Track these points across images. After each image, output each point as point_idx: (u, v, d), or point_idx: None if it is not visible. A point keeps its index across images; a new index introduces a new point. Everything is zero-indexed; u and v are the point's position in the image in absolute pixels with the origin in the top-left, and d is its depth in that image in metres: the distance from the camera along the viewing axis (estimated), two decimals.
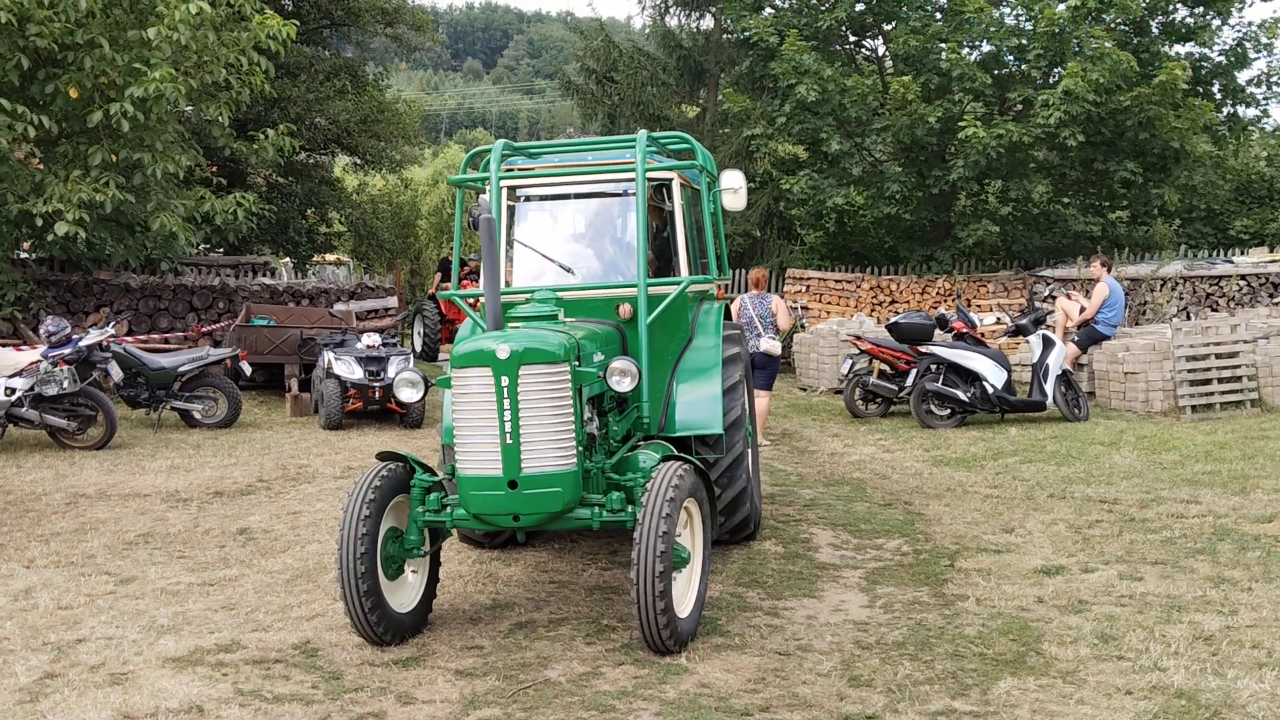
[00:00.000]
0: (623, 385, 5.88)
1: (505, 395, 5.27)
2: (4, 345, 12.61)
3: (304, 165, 23.45)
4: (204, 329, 16.36)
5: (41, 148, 13.63)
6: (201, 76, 13.91)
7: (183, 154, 14.38)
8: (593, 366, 5.87)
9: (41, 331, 12.19)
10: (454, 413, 5.48)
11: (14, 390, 11.22)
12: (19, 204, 13.16)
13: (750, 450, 7.77)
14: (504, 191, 7.21)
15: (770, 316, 11.87)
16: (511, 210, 7.47)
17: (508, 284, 7.18)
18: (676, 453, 6.01)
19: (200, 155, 15.45)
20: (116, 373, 12.50)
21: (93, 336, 12.21)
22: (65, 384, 11.30)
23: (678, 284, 6.93)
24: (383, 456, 5.80)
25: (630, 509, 5.55)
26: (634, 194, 7.00)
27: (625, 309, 6.95)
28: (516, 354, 5.28)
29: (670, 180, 7.32)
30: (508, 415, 5.28)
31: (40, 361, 11.43)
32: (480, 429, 5.35)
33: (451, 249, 28.82)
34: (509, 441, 5.29)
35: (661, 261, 7.74)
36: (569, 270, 7.17)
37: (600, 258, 7.45)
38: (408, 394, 6.10)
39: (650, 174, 7.07)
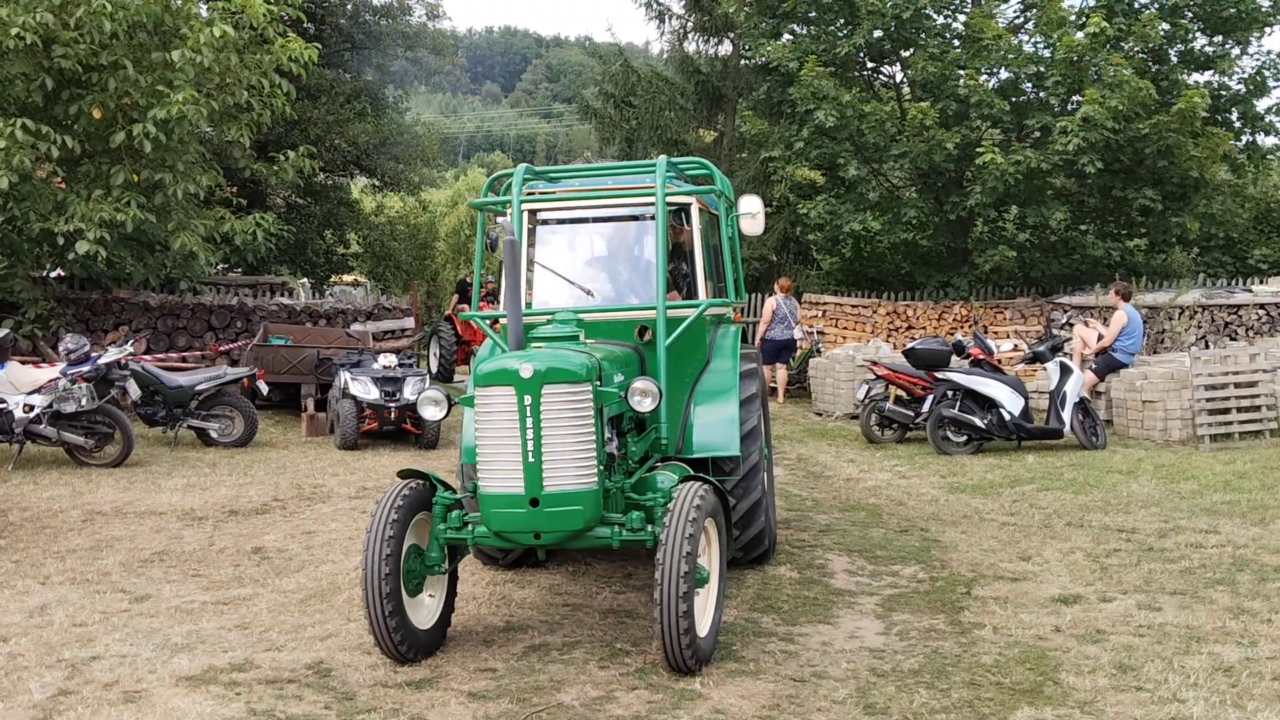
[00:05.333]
0: (644, 405, 5.91)
1: (528, 414, 5.33)
2: (23, 362, 12.68)
3: (323, 187, 23.63)
4: (222, 348, 16.42)
5: (64, 167, 13.76)
6: (223, 98, 14.05)
7: (203, 175, 14.51)
8: (613, 387, 5.89)
9: (60, 349, 12.26)
10: (476, 431, 5.51)
11: (32, 407, 11.27)
12: (41, 223, 13.28)
13: (766, 468, 7.80)
14: (524, 215, 7.24)
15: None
16: (532, 233, 7.49)
17: (528, 305, 7.22)
18: (695, 473, 6.00)
19: (220, 176, 15.57)
20: (134, 391, 12.55)
21: (111, 355, 12.26)
22: (83, 402, 11.35)
23: (696, 307, 6.97)
24: (404, 474, 5.82)
25: (650, 528, 5.58)
26: (653, 218, 7.06)
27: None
28: (540, 373, 5.34)
29: (689, 205, 7.36)
30: (530, 434, 5.34)
31: (59, 379, 11.48)
32: (502, 447, 5.40)
33: (470, 270, 28.92)
34: (531, 460, 5.34)
35: (679, 285, 7.76)
36: (588, 293, 7.24)
37: (619, 281, 7.51)
38: (431, 412, 6.14)
39: (669, 199, 7.12)
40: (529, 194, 7.34)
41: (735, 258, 8.31)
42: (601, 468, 5.55)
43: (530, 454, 5.33)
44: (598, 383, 5.61)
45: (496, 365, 5.45)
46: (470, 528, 5.73)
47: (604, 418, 5.73)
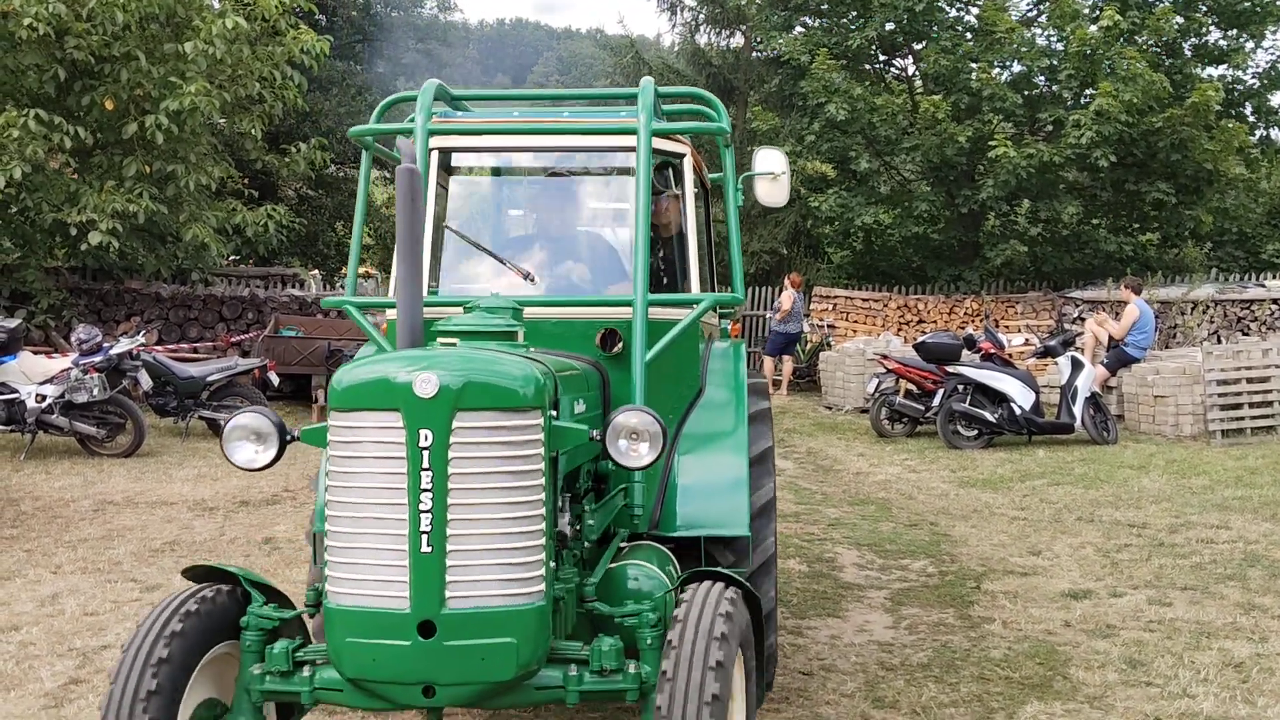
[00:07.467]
0: (636, 457, 3.54)
1: (425, 463, 3.06)
2: (36, 352, 12.73)
3: (334, 178, 23.65)
4: (233, 339, 16.48)
5: (77, 158, 13.81)
6: (235, 90, 14.10)
7: (215, 166, 14.56)
8: (573, 420, 3.69)
9: (73, 339, 12.30)
10: (328, 490, 3.21)
11: (44, 397, 11.31)
12: (54, 213, 13.33)
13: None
14: (433, 157, 4.81)
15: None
16: (442, 185, 5.05)
17: (431, 291, 4.76)
18: (711, 569, 3.64)
19: (232, 168, 15.63)
20: (146, 381, 12.59)
21: (123, 345, 12.30)
22: (95, 392, 11.39)
23: (694, 303, 4.51)
24: (194, 573, 3.55)
25: (634, 667, 3.30)
26: (631, 170, 4.76)
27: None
28: (450, 390, 3.09)
29: (681, 157, 4.99)
30: (427, 499, 3.07)
31: (71, 369, 11.52)
32: (373, 523, 3.11)
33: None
34: (426, 549, 3.06)
35: (658, 271, 5.25)
36: (527, 276, 4.77)
37: (574, 260, 5.14)
38: (244, 456, 3.52)
39: (655, 143, 4.67)
40: (441, 123, 4.87)
41: (737, 238, 5.54)
42: (552, 564, 3.33)
43: (425, 538, 3.05)
44: (553, 412, 3.37)
45: (371, 373, 3.20)
46: (310, 670, 3.32)
47: (557, 472, 3.48)
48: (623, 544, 4.25)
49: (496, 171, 5.40)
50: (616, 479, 4.27)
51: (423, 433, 3.06)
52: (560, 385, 3.56)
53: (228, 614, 3.37)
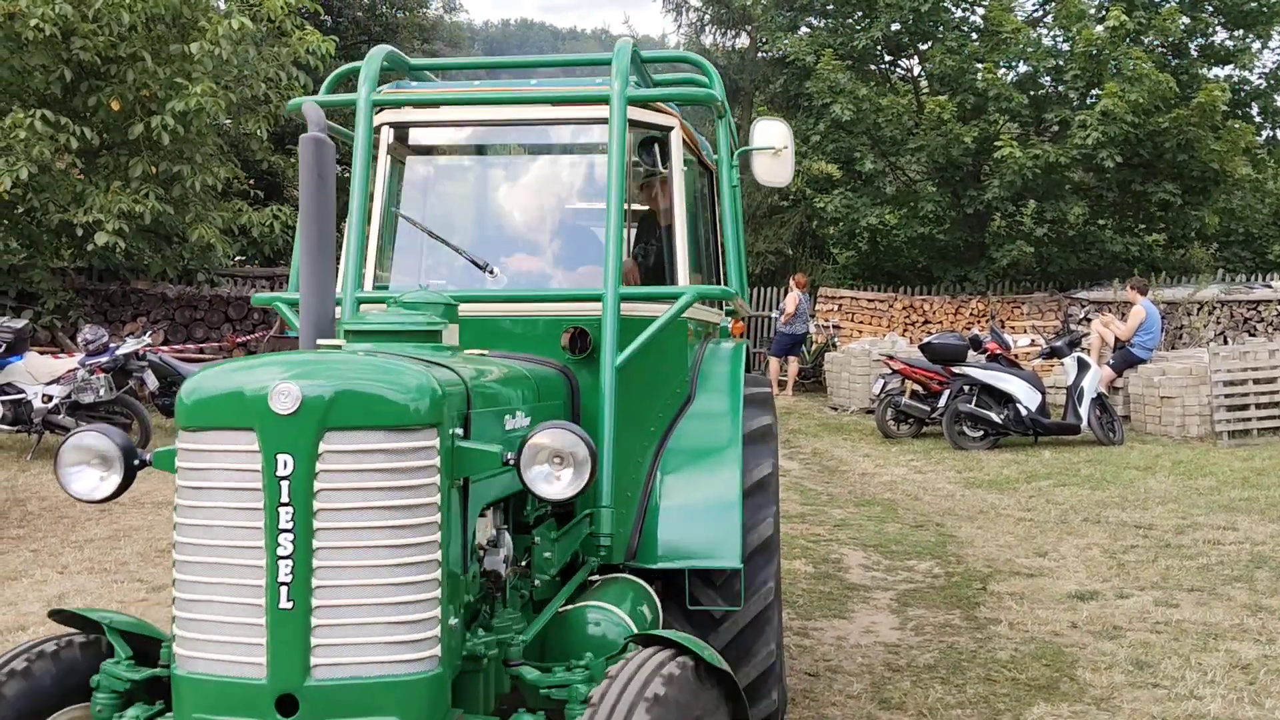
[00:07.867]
0: (552, 488, 2.85)
1: (284, 496, 2.50)
2: (42, 353, 12.76)
3: (339, 179, 23.70)
4: (239, 339, 16.50)
5: (83, 159, 13.84)
6: (241, 91, 14.13)
7: (221, 167, 14.59)
8: (499, 439, 3.03)
9: (79, 340, 12.33)
10: (176, 526, 2.65)
11: (51, 397, 11.34)
12: (60, 213, 13.36)
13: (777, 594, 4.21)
14: (384, 134, 4.26)
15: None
16: (397, 166, 4.43)
17: (381, 287, 4.28)
18: (663, 633, 2.81)
19: (238, 168, 15.65)
20: (152, 381, 12.60)
21: (129, 345, 12.32)
22: (101, 392, 11.41)
23: (675, 297, 3.92)
24: (61, 619, 3.11)
25: None
26: (604, 149, 4.08)
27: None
28: (316, 404, 2.52)
29: (668, 130, 4.29)
30: (287, 541, 2.50)
31: (77, 369, 11.54)
32: (223, 570, 2.56)
33: None
34: (286, 604, 2.50)
35: (650, 264, 4.70)
36: (486, 268, 4.16)
37: (545, 251, 4.55)
38: (84, 485, 2.93)
39: (636, 115, 4.09)
40: (391, 94, 4.25)
41: (738, 226, 4.95)
42: (455, 621, 2.73)
43: (285, 590, 2.50)
44: (458, 430, 2.78)
45: (222, 383, 2.62)
46: None
47: (467, 503, 2.87)
48: (594, 575, 3.67)
49: (457, 150, 4.74)
50: (583, 502, 3.54)
51: (281, 458, 2.49)
52: (482, 396, 2.96)
53: (78, 668, 2.86)
